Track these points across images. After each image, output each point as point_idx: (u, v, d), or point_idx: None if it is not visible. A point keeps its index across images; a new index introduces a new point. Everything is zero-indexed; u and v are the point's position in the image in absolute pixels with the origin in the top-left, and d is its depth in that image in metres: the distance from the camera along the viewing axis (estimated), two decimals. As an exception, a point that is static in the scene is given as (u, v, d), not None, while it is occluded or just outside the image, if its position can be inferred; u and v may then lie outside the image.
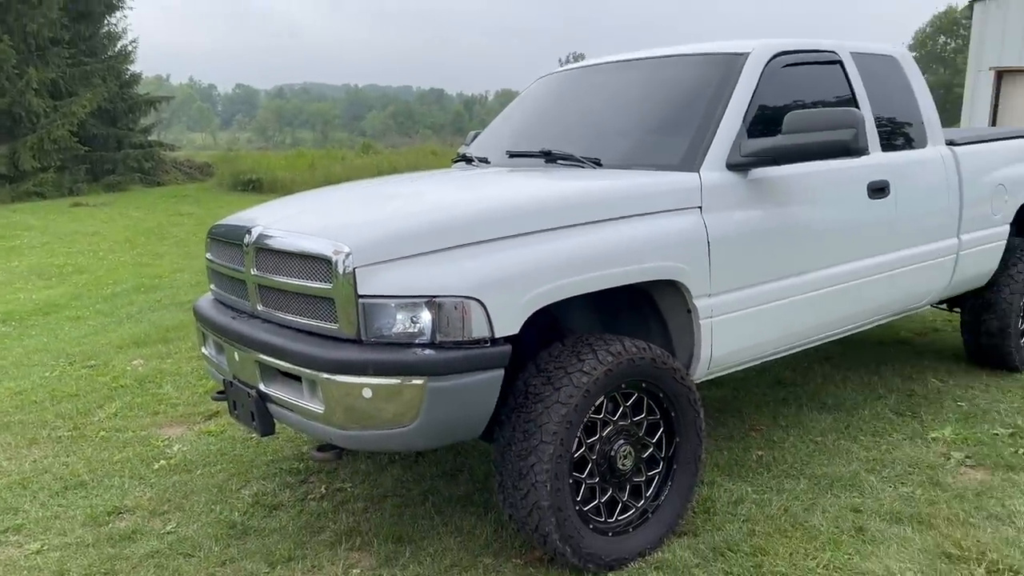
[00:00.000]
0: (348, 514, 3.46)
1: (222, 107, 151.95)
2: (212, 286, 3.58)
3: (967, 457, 3.79)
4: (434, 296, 2.57)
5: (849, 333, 4.06)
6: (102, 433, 4.47)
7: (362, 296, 2.62)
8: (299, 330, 2.87)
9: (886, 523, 3.20)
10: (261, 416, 3.01)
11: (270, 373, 2.99)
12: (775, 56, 3.61)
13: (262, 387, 2.99)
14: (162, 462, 4.07)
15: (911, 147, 4.19)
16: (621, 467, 2.93)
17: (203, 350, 3.60)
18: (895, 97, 4.17)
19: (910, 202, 4.02)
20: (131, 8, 27.08)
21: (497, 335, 2.62)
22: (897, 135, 4.14)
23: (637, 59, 3.98)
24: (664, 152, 3.36)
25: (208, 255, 3.54)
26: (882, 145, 3.98)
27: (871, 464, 3.74)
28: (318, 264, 2.72)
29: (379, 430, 2.65)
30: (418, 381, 2.55)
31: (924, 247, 4.14)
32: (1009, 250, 4.74)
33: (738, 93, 3.43)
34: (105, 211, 18.09)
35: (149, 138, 27.72)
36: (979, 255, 4.51)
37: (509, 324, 2.64)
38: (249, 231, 3.06)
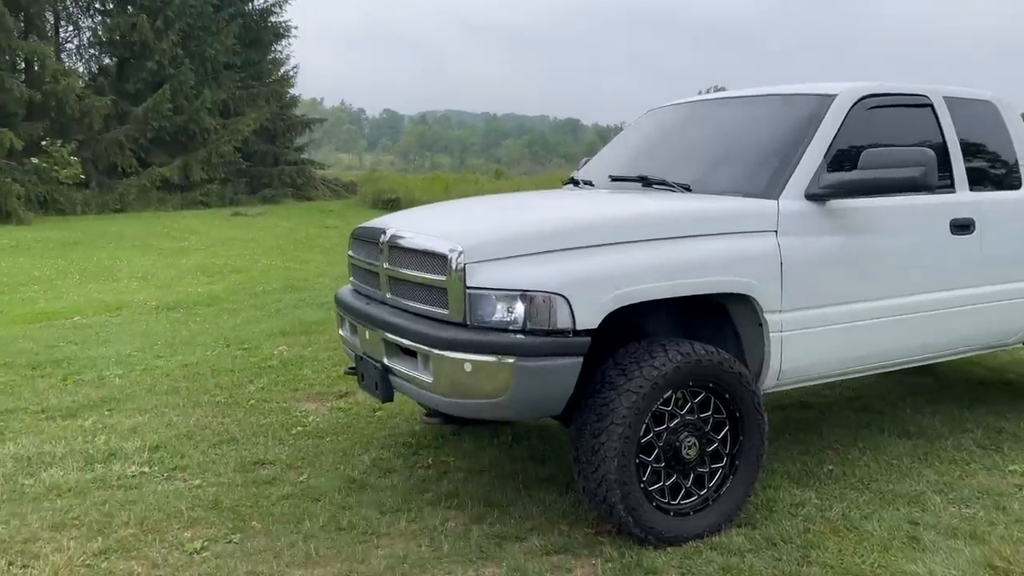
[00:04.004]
0: (449, 481, 3.99)
1: (369, 130, 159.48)
2: (351, 278, 4.24)
3: (1041, 490, 3.89)
4: (527, 290, 3.08)
5: (931, 361, 4.25)
6: (251, 402, 5.24)
7: (469, 287, 3.16)
8: (417, 314, 3.44)
9: (940, 536, 3.41)
10: (383, 385, 3.60)
11: (392, 349, 3.58)
12: (861, 99, 3.92)
13: (385, 361, 3.59)
14: (299, 428, 4.76)
15: (1004, 187, 4.35)
16: (685, 456, 3.32)
17: (340, 332, 4.26)
18: (990, 140, 4.36)
19: (999, 240, 4.18)
20: (296, 37, 29.30)
21: (579, 327, 3.09)
22: (989, 176, 4.32)
23: (734, 97, 4.38)
24: (748, 181, 3.75)
25: (349, 252, 4.20)
26: (970, 184, 4.17)
27: (940, 487, 3.91)
28: (436, 260, 3.28)
29: (475, 400, 3.17)
30: (509, 360, 3.06)
31: (1014, 284, 4.28)
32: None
33: (822, 131, 3.76)
34: (260, 221, 19.80)
35: (302, 156, 29.96)
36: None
37: (590, 319, 3.11)
38: (384, 232, 3.68)
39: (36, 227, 17.35)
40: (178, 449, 4.43)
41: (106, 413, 5.02)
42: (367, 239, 3.94)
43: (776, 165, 3.73)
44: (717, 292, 3.39)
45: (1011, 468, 4.16)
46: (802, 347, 3.62)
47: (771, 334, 3.52)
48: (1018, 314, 4.36)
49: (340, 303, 4.16)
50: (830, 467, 4.15)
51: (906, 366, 4.18)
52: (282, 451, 4.41)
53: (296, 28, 28.68)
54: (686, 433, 3.32)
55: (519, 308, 3.09)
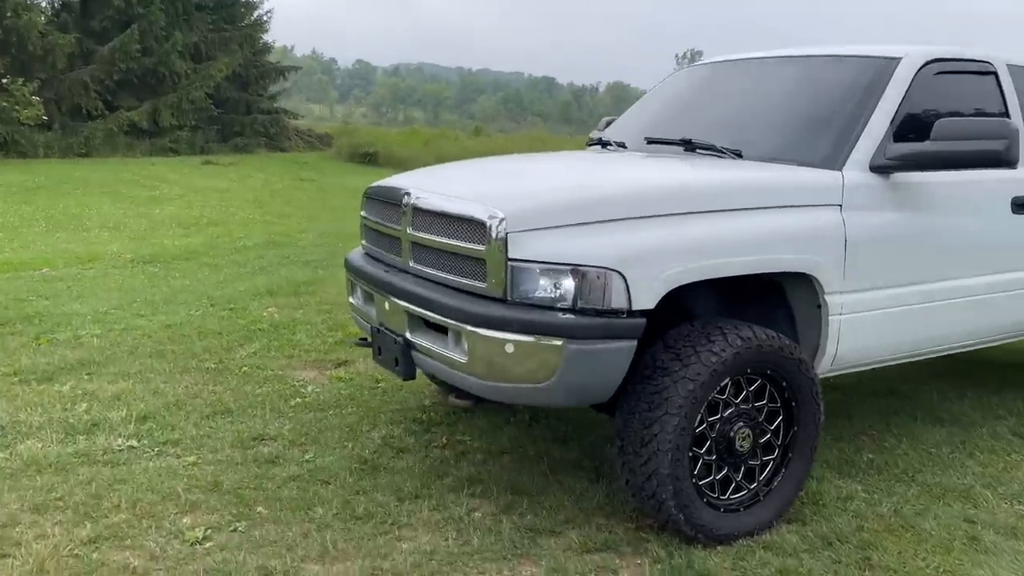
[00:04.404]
0: (469, 464, 3.70)
1: (340, 81, 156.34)
2: (364, 241, 3.87)
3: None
4: (579, 265, 2.75)
5: (986, 345, 4.03)
6: (244, 369, 4.88)
7: (512, 259, 2.83)
8: (447, 286, 3.11)
9: (1001, 536, 3.20)
10: (405, 361, 3.27)
11: (416, 323, 3.25)
12: (928, 63, 3.61)
13: (408, 335, 3.25)
14: (297, 400, 4.42)
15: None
16: (739, 448, 3.05)
17: (350, 299, 3.90)
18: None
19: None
20: (271, -21, 28.15)
21: (634, 308, 2.78)
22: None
23: (784, 57, 4.05)
24: (807, 149, 3.44)
25: (363, 213, 3.83)
26: (1032, 160, 3.91)
27: (987, 480, 3.71)
28: (473, 227, 2.94)
29: (516, 383, 2.86)
30: (557, 342, 2.75)
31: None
32: None
33: (887, 97, 3.46)
34: (233, 171, 19.12)
35: (275, 106, 29.01)
36: None
37: (647, 298, 2.80)
38: (408, 192, 3.31)
39: (-4, 170, 16.53)
40: (168, 420, 4.07)
41: (85, 377, 4.63)
42: (385, 199, 3.58)
43: (838, 133, 3.42)
44: (780, 271, 3.09)
45: (1054, 460, 3.98)
46: (860, 331, 3.36)
47: (830, 316, 3.25)
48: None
49: (352, 268, 3.80)
50: (869, 456, 3.93)
51: (957, 351, 3.95)
52: (282, 425, 4.08)
53: (271, -30, 27.55)
54: (741, 424, 3.05)
55: (568, 284, 2.77)
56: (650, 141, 4.00)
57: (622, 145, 4.16)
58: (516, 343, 2.79)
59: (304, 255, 8.80)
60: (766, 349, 2.99)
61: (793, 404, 3.15)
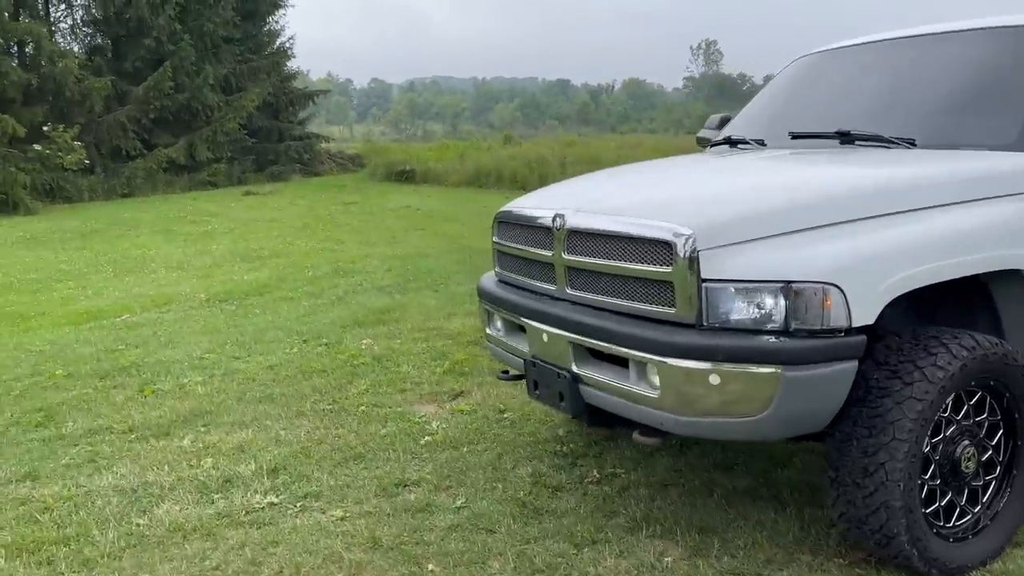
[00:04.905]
0: (635, 500, 3.42)
1: (357, 101, 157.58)
2: (498, 268, 3.62)
3: None
4: (791, 281, 2.47)
5: None
6: (361, 408, 4.65)
7: (706, 280, 2.56)
8: (619, 312, 2.84)
9: None
10: (572, 397, 3.01)
11: (583, 354, 2.99)
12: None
13: (575, 368, 2.99)
14: (427, 438, 4.18)
15: None
16: (964, 469, 2.75)
17: (488, 330, 3.65)
18: None
19: None
20: (292, 6, 28.27)
21: (854, 324, 2.50)
22: None
23: (936, 34, 3.73)
24: (993, 131, 3.13)
25: (498, 239, 3.58)
26: None
27: None
28: (654, 247, 2.67)
29: (721, 418, 2.59)
30: (773, 370, 2.47)
31: None
32: None
33: (1072, 69, 3.14)
34: (273, 199, 19.06)
35: (307, 131, 29.06)
36: None
37: (867, 313, 2.52)
38: (560, 215, 3.05)
39: (46, 216, 16.61)
40: (301, 471, 3.85)
41: (202, 429, 4.43)
42: (525, 223, 3.33)
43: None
44: (998, 268, 2.79)
45: None
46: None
47: (1048, 316, 2.94)
48: None
49: (490, 297, 3.56)
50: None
51: None
52: (421, 468, 3.83)
53: (290, -4, 27.63)
54: (966, 442, 2.75)
55: (777, 303, 2.49)
56: (795, 136, 3.69)
57: (760, 142, 3.86)
58: (723, 373, 2.52)
59: (375, 281, 8.59)
60: (991, 358, 2.68)
61: (1016, 415, 2.84)
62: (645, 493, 3.49)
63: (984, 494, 2.86)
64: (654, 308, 2.71)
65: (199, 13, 22.83)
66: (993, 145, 3.08)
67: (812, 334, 2.48)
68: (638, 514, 3.29)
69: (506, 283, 3.55)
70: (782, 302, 2.48)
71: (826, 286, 2.46)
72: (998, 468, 2.87)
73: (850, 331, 2.50)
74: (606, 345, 2.83)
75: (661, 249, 2.65)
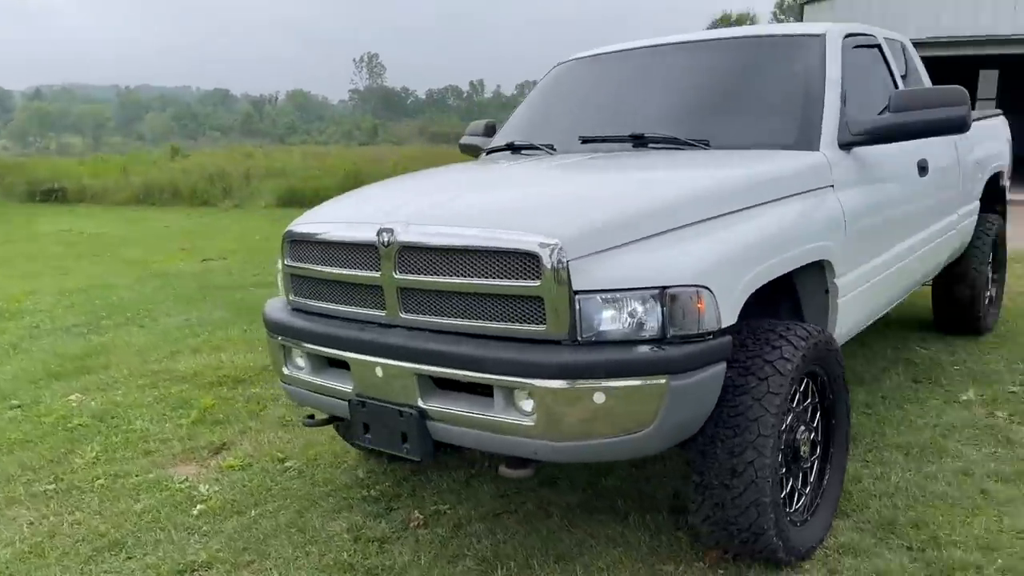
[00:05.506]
0: (474, 538, 3.11)
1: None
2: (293, 296, 3.08)
3: (1011, 415, 4.07)
4: (666, 286, 2.35)
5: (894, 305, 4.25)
6: (99, 482, 3.74)
7: (578, 292, 2.35)
8: (470, 335, 2.53)
9: (1000, 483, 3.36)
10: (419, 437, 2.63)
11: (429, 387, 2.62)
12: (845, 37, 3.69)
13: (421, 403, 2.61)
14: (199, 507, 3.47)
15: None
16: (802, 454, 2.86)
17: (285, 370, 3.09)
18: (911, 80, 4.42)
19: (938, 179, 4.27)
20: None
21: (722, 325, 2.45)
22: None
23: (701, 41, 3.90)
24: (778, 132, 3.33)
25: (291, 261, 3.03)
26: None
27: (939, 430, 3.91)
28: (513, 260, 2.40)
29: (604, 438, 2.40)
30: (660, 380, 2.33)
31: (943, 221, 4.43)
32: (978, 223, 5.19)
33: (831, 72, 3.46)
34: None
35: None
36: (966, 228, 4.90)
37: (730, 313, 2.49)
38: (388, 230, 2.64)
39: None
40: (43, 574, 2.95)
41: None
42: (333, 241, 2.85)
43: (802, 113, 3.35)
44: (813, 260, 2.94)
45: (963, 399, 4.31)
46: (853, 308, 3.34)
47: (838, 300, 3.18)
48: (946, 247, 4.54)
49: (288, 329, 3.01)
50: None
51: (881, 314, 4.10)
52: (207, 545, 3.15)
53: None
54: (801, 427, 2.86)
55: (653, 310, 2.36)
56: (585, 140, 3.64)
57: (549, 147, 3.74)
58: (607, 390, 2.32)
59: (57, 321, 7.19)
60: (820, 345, 2.81)
61: (830, 396, 3.02)
62: (482, 528, 3.19)
63: (811, 475, 3.00)
64: (517, 326, 2.44)
65: None
66: (778, 145, 3.26)
67: (687, 339, 2.38)
68: (485, 553, 2.99)
69: (307, 312, 3.03)
70: (658, 308, 2.35)
71: (699, 289, 2.38)
72: (818, 448, 3.03)
73: (718, 333, 2.45)
74: (464, 373, 2.49)
75: (525, 261, 2.38)
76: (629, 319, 2.37)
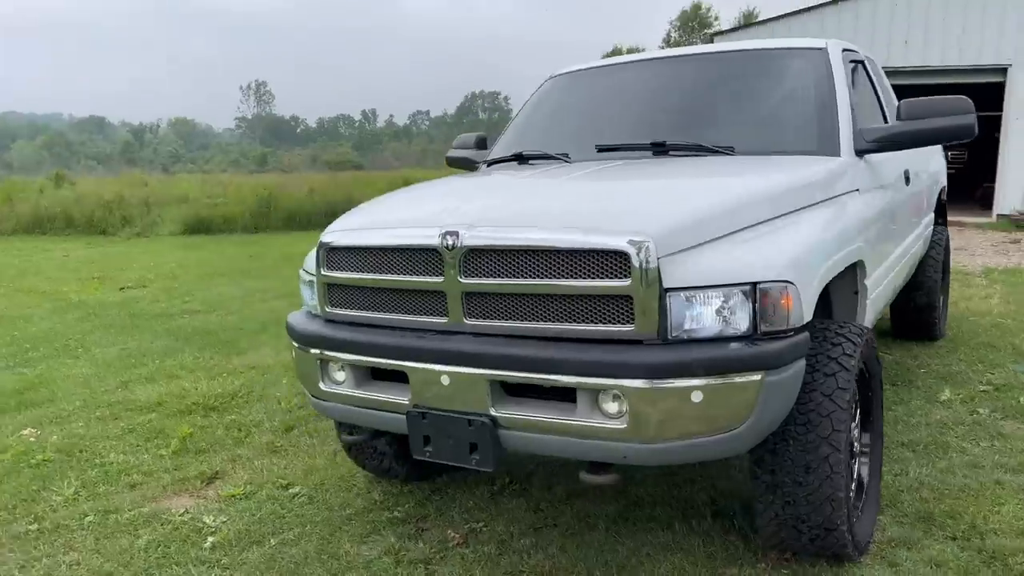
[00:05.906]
0: (525, 553, 2.99)
1: None
2: (329, 307, 2.89)
3: (992, 412, 4.29)
4: (757, 282, 2.35)
5: None
6: (88, 519, 3.40)
7: (669, 289, 2.32)
8: (545, 338, 2.45)
9: (1009, 474, 3.52)
10: (491, 447, 2.51)
11: (501, 394, 2.52)
12: (843, 51, 3.85)
13: (493, 411, 2.51)
14: (212, 540, 3.20)
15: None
16: (855, 450, 2.91)
17: (323, 386, 2.89)
18: (885, 95, 4.65)
19: (916, 189, 4.50)
20: None
21: (804, 321, 2.47)
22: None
23: (705, 53, 3.98)
24: (801, 139, 3.41)
25: (328, 271, 2.86)
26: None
27: (935, 428, 4.07)
28: (600, 259, 2.34)
29: (700, 438, 2.36)
30: (756, 377, 2.32)
31: (918, 228, 4.66)
32: (933, 234, 5.48)
33: (839, 82, 3.58)
34: None
35: None
36: (927, 237, 5.17)
37: (809, 309, 2.50)
38: (453, 232, 2.53)
39: None
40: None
41: None
42: (385, 247, 2.71)
43: (820, 120, 3.44)
44: (855, 260, 3.01)
45: (942, 399, 4.50)
46: (869, 311, 3.44)
47: (866, 300, 3.27)
48: (917, 253, 4.78)
49: (330, 342, 2.83)
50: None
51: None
52: (232, 580, 2.91)
53: None
54: (855, 423, 2.90)
55: (743, 306, 2.35)
56: (602, 149, 3.62)
57: (564, 157, 3.68)
58: (706, 388, 2.29)
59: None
60: (869, 343, 2.88)
61: (870, 393, 3.09)
62: (527, 543, 3.08)
63: (858, 468, 3.05)
64: (601, 327, 2.38)
65: None
66: (801, 151, 3.34)
67: (775, 335, 2.38)
68: (542, 567, 2.88)
69: (345, 323, 2.86)
70: (749, 304, 2.35)
71: (787, 284, 2.39)
72: (859, 442, 3.09)
73: (799, 329, 2.46)
74: (546, 377, 2.40)
75: (613, 260, 2.33)
76: (718, 316, 2.35)
